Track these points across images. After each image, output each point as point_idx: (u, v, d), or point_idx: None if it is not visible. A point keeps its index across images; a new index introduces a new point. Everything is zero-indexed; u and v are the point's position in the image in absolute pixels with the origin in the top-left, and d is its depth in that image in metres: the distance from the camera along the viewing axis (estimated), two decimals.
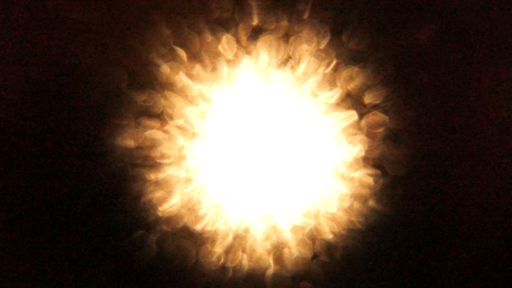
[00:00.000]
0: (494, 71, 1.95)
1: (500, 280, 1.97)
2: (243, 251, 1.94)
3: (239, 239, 1.94)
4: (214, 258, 1.94)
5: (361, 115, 1.91)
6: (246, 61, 1.90)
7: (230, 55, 1.90)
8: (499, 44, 1.95)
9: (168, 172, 1.92)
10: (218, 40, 1.90)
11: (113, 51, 1.93)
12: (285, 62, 1.90)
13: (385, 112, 1.91)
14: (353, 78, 1.91)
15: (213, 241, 1.94)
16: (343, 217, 1.94)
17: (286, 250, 1.94)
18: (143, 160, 1.92)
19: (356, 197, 1.93)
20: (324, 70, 1.90)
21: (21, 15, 1.95)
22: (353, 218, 1.94)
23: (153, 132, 1.91)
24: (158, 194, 1.92)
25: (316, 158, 1.94)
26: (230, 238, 1.94)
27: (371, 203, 1.93)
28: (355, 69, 1.90)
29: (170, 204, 1.93)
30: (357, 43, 1.90)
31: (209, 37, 1.90)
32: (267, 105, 1.93)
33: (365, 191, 1.93)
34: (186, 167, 1.93)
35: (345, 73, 1.90)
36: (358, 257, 1.95)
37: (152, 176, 1.92)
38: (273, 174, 1.94)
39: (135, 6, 1.94)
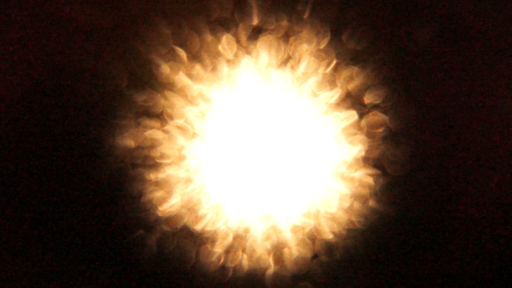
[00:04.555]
0: (494, 71, 1.95)
1: (500, 279, 1.97)
2: (243, 251, 1.94)
3: (239, 239, 1.94)
4: (214, 258, 1.94)
5: (361, 115, 1.91)
6: (246, 61, 1.91)
7: (230, 55, 1.91)
8: (499, 44, 1.95)
9: (168, 172, 1.92)
10: (218, 40, 1.90)
11: (113, 51, 1.93)
12: (285, 62, 1.90)
13: (385, 112, 1.92)
14: (353, 78, 1.91)
15: (213, 241, 1.94)
16: (343, 217, 1.94)
17: (286, 250, 1.94)
18: (143, 160, 1.92)
19: (356, 197, 1.93)
20: (324, 70, 1.90)
21: (21, 16, 1.95)
22: (353, 218, 1.94)
23: (153, 132, 1.92)
24: (158, 194, 1.92)
25: (316, 158, 1.94)
26: (230, 238, 1.94)
27: (371, 203, 1.93)
28: (355, 69, 1.90)
29: (170, 204, 1.93)
30: (357, 43, 1.91)
31: (209, 37, 1.90)
32: (267, 105, 1.93)
33: (365, 191, 1.93)
34: (186, 167, 1.93)
35: (345, 73, 1.90)
36: (358, 257, 1.95)
37: (152, 176, 1.92)
38: (273, 174, 1.94)
39: (135, 6, 1.94)
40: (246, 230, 1.94)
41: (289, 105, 1.93)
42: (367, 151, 1.92)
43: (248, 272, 1.94)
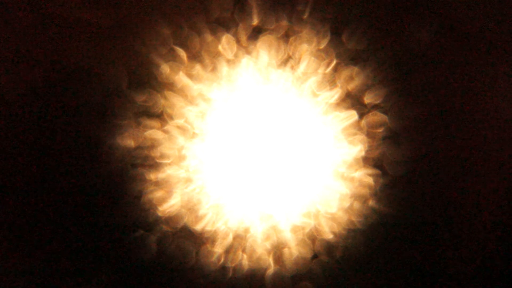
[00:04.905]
0: (494, 71, 1.95)
1: (499, 279, 1.97)
2: (243, 251, 1.94)
3: (239, 239, 1.94)
4: (214, 258, 1.94)
5: (361, 115, 1.91)
6: (246, 61, 1.90)
7: (230, 55, 1.91)
8: (499, 44, 1.95)
9: (168, 172, 1.92)
10: (218, 40, 1.90)
11: (113, 51, 1.93)
12: (285, 62, 1.90)
13: (385, 112, 1.91)
14: (353, 78, 1.91)
15: (213, 241, 1.94)
16: (343, 217, 1.94)
17: (286, 250, 1.94)
18: (143, 160, 1.91)
19: (356, 197, 1.93)
20: (324, 70, 1.90)
21: (21, 16, 1.95)
22: (353, 218, 1.93)
23: (153, 132, 1.92)
24: (158, 194, 1.92)
25: (316, 158, 1.94)
26: (230, 238, 1.94)
27: (371, 203, 1.93)
28: (355, 69, 1.90)
29: (170, 204, 1.93)
30: (357, 43, 1.91)
31: (209, 37, 1.90)
32: (267, 105, 1.93)
33: (365, 191, 1.93)
34: (186, 167, 1.93)
35: (345, 73, 1.90)
36: (358, 257, 1.95)
37: (152, 176, 1.92)
38: (273, 174, 1.94)
39: (135, 6, 1.94)
40: (246, 230, 1.94)
41: (289, 105, 1.93)
42: (367, 151, 1.92)
43: (248, 272, 1.94)
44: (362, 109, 1.91)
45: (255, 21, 1.89)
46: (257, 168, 1.94)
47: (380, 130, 1.92)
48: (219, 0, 1.89)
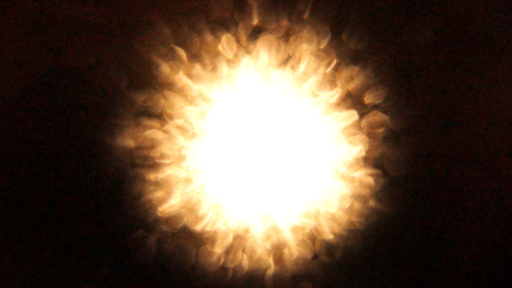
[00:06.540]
0: (494, 71, 1.95)
1: (500, 279, 1.97)
2: (243, 251, 1.94)
3: (239, 239, 1.94)
4: (214, 259, 1.94)
5: (362, 115, 1.91)
6: (246, 61, 1.91)
7: (230, 55, 1.91)
8: (499, 44, 1.95)
9: (168, 172, 1.92)
10: (218, 40, 1.90)
11: (113, 51, 1.93)
12: (285, 62, 1.90)
13: (385, 112, 1.91)
14: (353, 78, 1.91)
15: (213, 242, 1.93)
16: (343, 217, 1.94)
17: (286, 251, 1.94)
18: (143, 160, 1.91)
19: (356, 197, 1.93)
20: (324, 70, 1.90)
21: (21, 15, 1.95)
22: (354, 218, 1.93)
23: (153, 132, 1.92)
24: (158, 194, 1.92)
25: (316, 158, 1.94)
26: (230, 239, 1.94)
27: (371, 203, 1.93)
28: (355, 69, 1.90)
29: (170, 204, 1.92)
30: (357, 43, 1.91)
31: (209, 37, 1.90)
32: (267, 105, 1.93)
33: (366, 191, 1.93)
34: (186, 167, 1.93)
35: (345, 73, 1.90)
36: (358, 257, 1.95)
37: (152, 176, 1.92)
38: (273, 174, 1.94)
39: (135, 6, 1.94)
40: (246, 230, 1.94)
41: (289, 105, 1.93)
42: (367, 151, 1.92)
43: (248, 273, 1.94)
44: (362, 109, 1.91)
45: (255, 21, 1.90)
46: (257, 168, 1.94)
47: (380, 130, 1.92)
48: (219, 0, 1.90)
